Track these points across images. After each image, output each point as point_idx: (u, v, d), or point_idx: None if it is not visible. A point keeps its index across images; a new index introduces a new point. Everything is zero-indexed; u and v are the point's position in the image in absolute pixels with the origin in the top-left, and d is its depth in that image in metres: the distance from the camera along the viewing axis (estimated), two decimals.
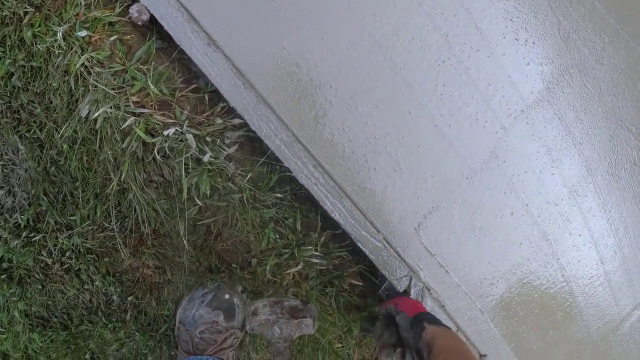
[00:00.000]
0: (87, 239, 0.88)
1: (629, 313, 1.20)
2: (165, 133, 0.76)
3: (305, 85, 0.82)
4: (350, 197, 0.87)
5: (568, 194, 0.98)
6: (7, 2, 0.80)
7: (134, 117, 0.77)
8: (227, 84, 0.80)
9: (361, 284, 0.92)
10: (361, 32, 0.81)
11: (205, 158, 0.78)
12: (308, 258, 0.87)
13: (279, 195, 0.88)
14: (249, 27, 0.80)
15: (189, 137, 0.75)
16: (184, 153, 0.77)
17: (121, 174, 0.81)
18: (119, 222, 0.85)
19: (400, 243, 0.93)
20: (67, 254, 0.90)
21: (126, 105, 0.79)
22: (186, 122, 0.79)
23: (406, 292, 0.96)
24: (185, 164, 0.79)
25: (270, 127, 0.82)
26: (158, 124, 0.78)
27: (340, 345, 1.00)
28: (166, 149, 0.77)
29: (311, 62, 0.81)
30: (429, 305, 0.97)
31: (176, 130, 0.76)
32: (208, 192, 0.80)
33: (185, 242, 0.81)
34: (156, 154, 0.75)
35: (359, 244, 0.91)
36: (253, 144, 0.88)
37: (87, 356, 1.00)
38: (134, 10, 0.80)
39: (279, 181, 0.89)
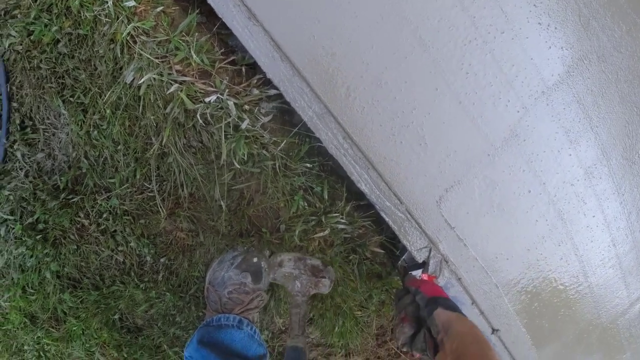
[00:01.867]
0: (124, 202, 0.93)
1: (638, 297, 1.24)
2: (207, 100, 0.81)
3: (339, 60, 0.86)
4: (377, 168, 0.92)
5: (584, 175, 1.02)
6: None
7: (177, 85, 0.82)
8: (265, 57, 0.84)
9: (382, 251, 0.96)
10: (390, 9, 0.85)
11: (243, 125, 0.82)
12: (334, 225, 0.91)
13: (308, 165, 0.93)
14: (287, 2, 0.84)
15: (230, 104, 0.79)
16: (223, 119, 0.81)
17: (162, 139, 0.85)
18: (157, 185, 0.89)
19: (421, 215, 0.97)
20: (104, 216, 0.94)
21: (169, 74, 0.83)
22: (226, 91, 0.84)
23: (425, 263, 1.00)
24: (225, 131, 0.83)
25: (304, 99, 0.86)
26: (200, 92, 0.83)
27: (360, 312, 1.04)
28: (207, 115, 0.81)
29: (344, 38, 0.85)
30: (446, 277, 1.02)
31: (217, 97, 0.81)
32: (245, 157, 0.84)
33: (223, 204, 0.86)
34: (198, 119, 0.80)
35: (382, 214, 0.95)
36: (284, 117, 0.92)
37: (117, 316, 1.04)
38: None
39: (308, 152, 0.93)
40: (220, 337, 0.90)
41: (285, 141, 0.90)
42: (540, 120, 0.95)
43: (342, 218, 0.94)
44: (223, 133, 0.81)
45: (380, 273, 1.00)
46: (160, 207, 0.90)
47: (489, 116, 0.93)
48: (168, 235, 0.97)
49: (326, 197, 0.94)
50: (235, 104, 0.81)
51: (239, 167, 0.83)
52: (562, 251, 1.07)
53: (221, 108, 0.82)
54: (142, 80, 0.82)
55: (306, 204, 0.93)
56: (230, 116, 0.80)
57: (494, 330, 1.13)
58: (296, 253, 0.89)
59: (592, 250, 1.10)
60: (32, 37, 0.89)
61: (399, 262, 1.05)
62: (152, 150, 0.86)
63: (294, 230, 0.94)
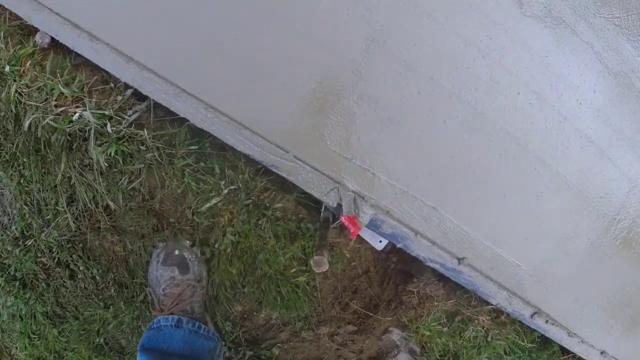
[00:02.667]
0: (63, 231, 1.05)
1: None
2: (73, 119, 0.91)
3: (179, 35, 0.90)
4: (246, 125, 0.92)
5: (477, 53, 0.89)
6: None
7: (52, 116, 0.93)
8: (113, 64, 0.92)
9: (292, 207, 0.94)
10: None
11: (108, 128, 0.90)
12: (228, 194, 0.92)
13: (193, 147, 0.96)
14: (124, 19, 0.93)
15: (85, 114, 0.88)
16: (90, 131, 0.90)
17: (62, 166, 0.97)
18: (73, 207, 1.00)
19: (312, 157, 0.93)
20: (54, 249, 1.07)
21: (50, 111, 0.96)
22: (94, 105, 0.93)
23: (340, 206, 0.94)
24: (99, 140, 0.92)
25: (156, 87, 0.91)
26: (72, 115, 0.93)
27: (302, 277, 1.00)
28: (77, 131, 0.91)
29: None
30: (369, 213, 0.94)
31: (80, 113, 0.90)
32: (121, 159, 0.91)
33: (119, 206, 0.93)
34: (76, 138, 0.90)
35: (274, 169, 0.93)
36: (158, 111, 0.98)
37: (101, 340, 1.15)
38: (38, 38, 0.99)
39: (194, 135, 0.97)
40: (159, 339, 0.94)
41: (165, 133, 0.96)
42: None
43: (238, 187, 0.95)
44: (92, 143, 0.90)
45: (298, 230, 0.96)
46: (80, 225, 1.00)
47: (338, 33, 0.88)
48: (107, 252, 1.06)
49: (218, 170, 0.96)
50: (94, 113, 0.90)
51: (104, 169, 0.91)
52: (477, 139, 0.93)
53: (88, 122, 0.91)
54: (28, 122, 0.96)
55: (200, 184, 0.96)
56: (90, 124, 0.89)
57: (460, 260, 1.00)
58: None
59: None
60: None
61: (321, 214, 1.00)
62: (58, 178, 0.98)
63: (201, 212, 0.97)
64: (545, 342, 1.18)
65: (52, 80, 0.97)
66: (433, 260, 1.01)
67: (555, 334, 1.13)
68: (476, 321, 1.11)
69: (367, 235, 1.05)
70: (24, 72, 1.01)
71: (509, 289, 1.06)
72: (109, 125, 0.90)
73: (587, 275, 1.07)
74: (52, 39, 0.98)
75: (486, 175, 0.96)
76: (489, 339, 1.13)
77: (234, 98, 0.92)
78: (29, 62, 1.00)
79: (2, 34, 0.99)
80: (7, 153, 1.06)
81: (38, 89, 0.98)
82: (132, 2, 0.91)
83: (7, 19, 1.01)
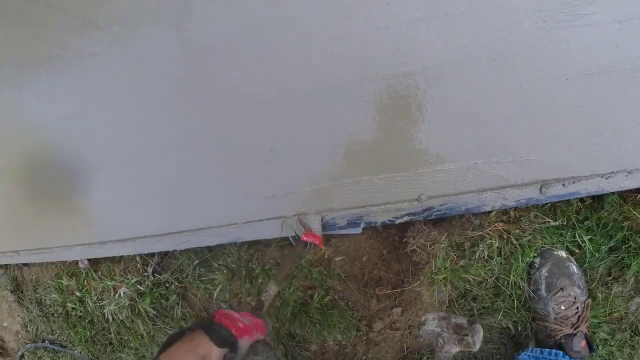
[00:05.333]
0: None
1: None
2: (120, 295, 1.31)
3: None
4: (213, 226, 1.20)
5: None
6: None
7: (115, 303, 1.35)
8: (121, 249, 1.32)
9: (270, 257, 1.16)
10: None
11: (141, 287, 1.27)
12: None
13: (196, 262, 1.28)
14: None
15: (123, 290, 1.27)
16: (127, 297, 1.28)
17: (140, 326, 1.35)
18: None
19: (254, 214, 1.16)
20: None
21: (112, 299, 1.38)
22: (131, 282, 1.33)
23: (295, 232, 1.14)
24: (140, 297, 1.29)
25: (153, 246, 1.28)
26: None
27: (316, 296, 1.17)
28: (129, 300, 1.30)
29: None
30: (316, 220, 1.10)
31: (119, 292, 1.30)
32: (164, 301, 1.26)
33: None
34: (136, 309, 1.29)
35: (239, 241, 1.19)
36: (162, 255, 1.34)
37: None
38: (80, 264, 1.46)
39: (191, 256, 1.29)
40: None
41: (176, 264, 1.30)
42: None
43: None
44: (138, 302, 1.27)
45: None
46: None
47: None
48: None
49: (216, 265, 1.25)
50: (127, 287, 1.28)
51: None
52: None
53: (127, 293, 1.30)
54: (108, 313, 1.39)
55: (208, 284, 1.25)
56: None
57: (418, 199, 1.06)
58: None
59: None
60: None
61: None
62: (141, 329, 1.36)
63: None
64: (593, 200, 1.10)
65: (103, 282, 1.41)
66: (398, 217, 1.10)
67: (587, 188, 1.01)
68: (487, 236, 1.12)
69: (342, 230, 1.18)
70: (88, 289, 1.47)
71: (489, 187, 1.05)
72: (138, 286, 1.28)
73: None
74: (88, 260, 1.44)
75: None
76: (514, 241, 1.11)
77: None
78: (86, 280, 1.46)
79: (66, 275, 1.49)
80: (115, 339, 1.51)
81: (102, 292, 1.43)
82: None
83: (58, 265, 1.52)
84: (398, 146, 1.03)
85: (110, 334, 1.48)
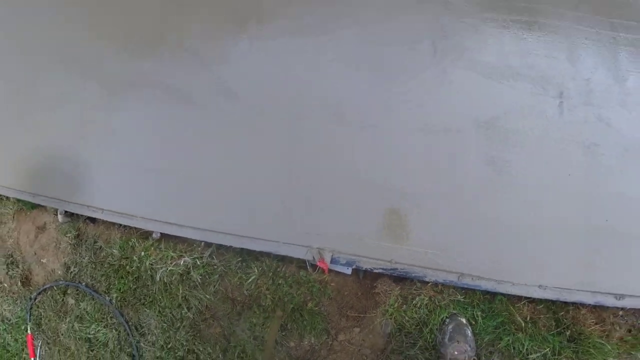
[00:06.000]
0: (187, 330, 1.94)
1: None
2: (180, 263, 1.91)
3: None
4: (259, 237, 1.87)
5: None
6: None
7: (171, 267, 1.94)
8: (191, 233, 1.95)
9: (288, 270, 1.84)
10: None
11: (197, 262, 1.89)
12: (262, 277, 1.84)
13: (239, 258, 1.92)
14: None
15: (185, 259, 1.88)
16: (189, 265, 1.89)
17: (180, 291, 1.93)
18: (190, 313, 1.91)
19: (292, 238, 1.85)
20: (184, 343, 1.94)
21: (168, 264, 1.96)
22: (188, 255, 1.94)
23: (314, 257, 1.83)
24: (192, 270, 1.89)
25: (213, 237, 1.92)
26: (179, 262, 1.93)
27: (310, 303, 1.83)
28: (180, 272, 1.90)
29: None
30: (330, 255, 1.81)
31: (183, 260, 1.90)
32: (207, 276, 1.87)
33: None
34: (181, 276, 1.88)
35: (274, 252, 1.85)
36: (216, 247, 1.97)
37: None
38: (153, 235, 2.06)
39: (236, 254, 1.93)
40: None
41: (224, 259, 1.93)
42: None
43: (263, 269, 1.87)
44: (193, 271, 1.87)
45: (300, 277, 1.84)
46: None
47: None
48: (215, 335, 1.93)
49: (252, 267, 1.90)
50: (190, 258, 1.89)
51: (199, 282, 1.85)
52: None
53: (187, 262, 1.90)
54: (159, 275, 1.95)
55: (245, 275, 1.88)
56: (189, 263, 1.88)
57: (390, 262, 1.81)
58: None
59: None
60: None
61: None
62: (179, 298, 1.92)
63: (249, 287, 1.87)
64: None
65: (167, 252, 1.99)
66: (376, 267, 1.82)
67: (485, 285, 1.82)
68: (422, 295, 1.85)
69: (338, 268, 1.88)
70: (150, 253, 2.05)
71: (428, 266, 1.82)
72: (197, 261, 1.88)
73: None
74: (161, 234, 2.04)
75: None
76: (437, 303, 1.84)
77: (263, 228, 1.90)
78: (152, 247, 2.04)
79: (137, 238, 2.06)
80: (149, 297, 2.03)
81: (161, 258, 2.00)
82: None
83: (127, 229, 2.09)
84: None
85: (149, 291, 2.02)
